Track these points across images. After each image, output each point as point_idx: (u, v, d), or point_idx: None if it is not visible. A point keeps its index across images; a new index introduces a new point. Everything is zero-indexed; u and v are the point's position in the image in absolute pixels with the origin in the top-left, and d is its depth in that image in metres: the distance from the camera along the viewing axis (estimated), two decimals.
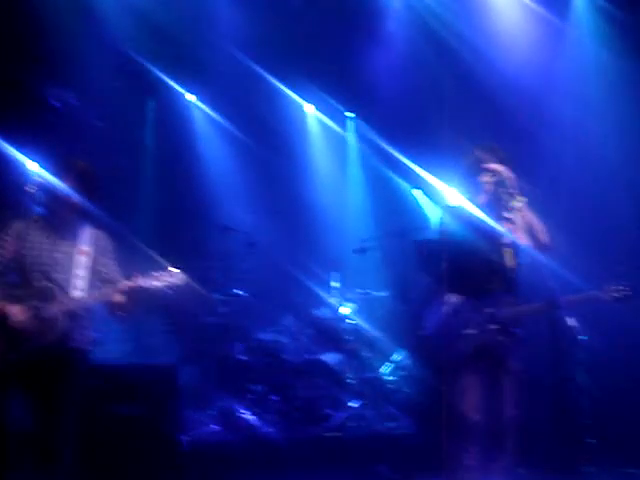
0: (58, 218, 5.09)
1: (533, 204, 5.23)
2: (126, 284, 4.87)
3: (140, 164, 10.32)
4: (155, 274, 4.86)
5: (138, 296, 4.88)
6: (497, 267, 5.31)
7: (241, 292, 8.96)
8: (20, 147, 8.26)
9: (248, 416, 7.96)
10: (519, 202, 5.13)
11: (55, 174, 5.01)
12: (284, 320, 8.93)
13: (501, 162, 5.29)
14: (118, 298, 4.85)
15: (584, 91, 8.18)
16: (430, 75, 9.12)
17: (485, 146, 5.44)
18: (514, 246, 5.28)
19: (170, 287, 4.87)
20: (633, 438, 6.85)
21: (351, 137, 10.65)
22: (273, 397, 8.16)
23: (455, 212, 5.43)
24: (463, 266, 5.29)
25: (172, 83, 10.11)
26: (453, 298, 5.29)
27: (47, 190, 5.00)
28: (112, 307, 4.94)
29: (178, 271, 4.88)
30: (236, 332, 8.85)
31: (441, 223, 5.49)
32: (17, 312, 4.82)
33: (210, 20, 9.19)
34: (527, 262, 5.24)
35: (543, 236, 5.14)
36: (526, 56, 8.43)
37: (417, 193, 9.54)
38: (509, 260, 5.34)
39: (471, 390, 5.25)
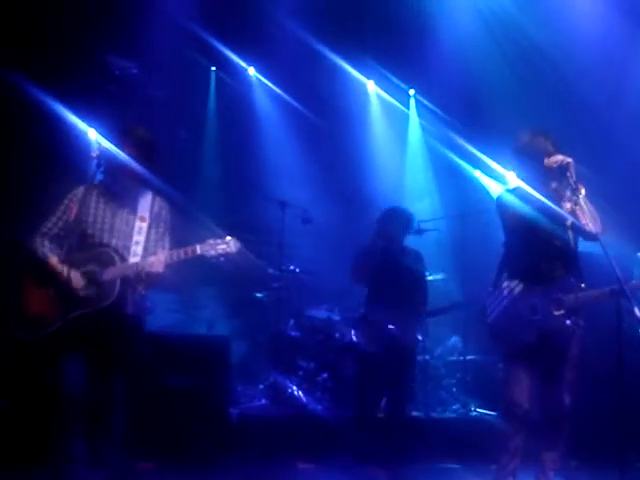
0: (118, 185, 5.12)
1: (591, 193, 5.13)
2: (181, 252, 4.85)
3: (200, 136, 10.35)
4: (211, 242, 4.84)
5: (185, 268, 4.86)
6: (562, 252, 5.22)
7: (295, 268, 8.91)
8: (83, 115, 8.34)
9: (297, 392, 7.95)
10: (581, 190, 5.01)
11: (115, 141, 5.02)
12: (337, 298, 8.87)
13: (556, 147, 5.20)
14: (159, 268, 4.83)
15: None
16: (496, 56, 8.96)
17: (541, 131, 5.34)
18: (578, 231, 5.17)
19: (225, 255, 4.84)
20: None
21: (413, 115, 10.53)
22: (323, 375, 8.13)
23: (517, 195, 5.32)
24: (527, 250, 5.21)
25: (234, 57, 10.10)
26: (517, 283, 5.20)
27: (108, 157, 5.02)
28: (160, 276, 4.92)
29: (234, 239, 4.85)
30: (289, 308, 8.83)
31: (501, 205, 5.39)
32: (76, 276, 4.84)
33: None
34: (592, 248, 5.12)
35: (598, 226, 5.03)
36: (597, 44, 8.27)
37: (478, 174, 9.39)
38: (573, 245, 5.24)
39: (526, 377, 5.19)
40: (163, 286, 5.11)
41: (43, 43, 8.46)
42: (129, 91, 9.35)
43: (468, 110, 9.43)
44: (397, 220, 7.02)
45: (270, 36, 9.47)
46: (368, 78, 10.43)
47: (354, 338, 7.18)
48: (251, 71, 10.43)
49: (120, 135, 5.09)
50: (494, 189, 8.98)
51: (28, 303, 4.95)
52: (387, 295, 6.91)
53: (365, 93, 10.54)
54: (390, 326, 6.81)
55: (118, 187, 5.10)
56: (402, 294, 6.86)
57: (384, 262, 6.96)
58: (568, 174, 5.01)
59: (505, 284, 5.27)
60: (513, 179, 5.51)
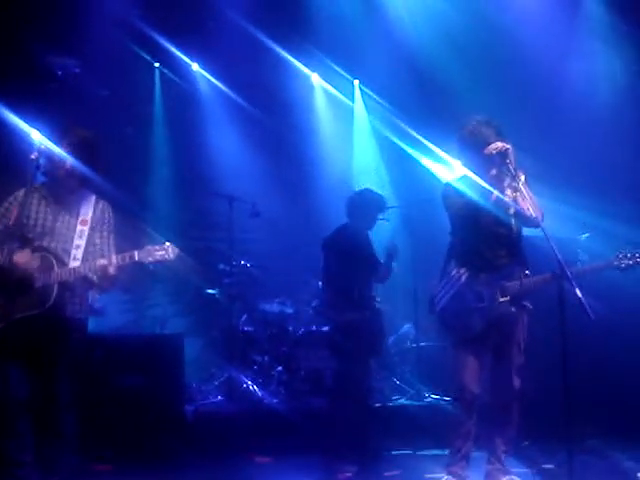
0: (60, 187, 5.06)
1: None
2: (103, 262, 4.83)
3: (145, 134, 10.27)
4: (149, 248, 4.81)
5: (132, 270, 4.84)
6: (506, 239, 5.31)
7: (246, 263, 8.91)
8: (25, 116, 8.23)
9: (252, 387, 7.97)
10: (521, 176, 5.09)
11: (55, 142, 4.96)
12: (289, 291, 8.89)
13: (499, 135, 5.25)
14: (111, 271, 4.81)
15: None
16: (442, 44, 9.03)
17: (484, 119, 5.38)
18: (520, 218, 5.25)
19: (163, 262, 4.83)
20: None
21: (358, 106, 10.56)
22: (277, 368, 8.16)
23: (461, 185, 5.39)
24: (472, 239, 5.30)
25: (177, 52, 10.03)
26: (464, 271, 5.27)
27: (49, 158, 4.96)
28: (104, 280, 4.90)
29: (172, 245, 4.84)
30: (241, 303, 8.83)
31: (446, 195, 5.45)
32: (10, 281, 4.79)
33: None
34: (534, 233, 5.21)
35: (538, 211, 5.11)
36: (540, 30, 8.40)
37: (427, 162, 9.44)
38: (517, 232, 5.32)
39: (475, 363, 5.29)
40: (119, 287, 5.05)
41: None
42: (72, 90, 9.25)
43: (414, 99, 9.46)
44: (372, 203, 6.75)
45: (213, 30, 9.45)
46: (312, 70, 10.43)
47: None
48: (195, 67, 10.37)
49: (59, 135, 5.01)
50: (443, 176, 9.04)
51: None
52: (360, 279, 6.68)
53: (310, 85, 10.54)
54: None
55: (59, 189, 5.04)
56: (369, 279, 6.77)
57: (354, 245, 6.66)
58: (508, 161, 5.08)
59: (453, 272, 5.35)
60: (459, 167, 5.55)
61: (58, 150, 4.94)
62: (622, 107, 8.33)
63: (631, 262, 5.04)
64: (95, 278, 4.86)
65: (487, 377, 5.39)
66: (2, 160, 7.90)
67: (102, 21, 8.91)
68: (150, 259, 4.81)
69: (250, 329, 8.57)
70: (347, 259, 6.51)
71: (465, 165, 5.45)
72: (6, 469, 4.74)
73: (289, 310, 8.65)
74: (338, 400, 6.57)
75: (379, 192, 6.92)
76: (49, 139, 5.00)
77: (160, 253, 4.81)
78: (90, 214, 5.02)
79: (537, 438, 6.56)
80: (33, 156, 4.87)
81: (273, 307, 8.69)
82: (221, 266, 8.87)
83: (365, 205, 6.72)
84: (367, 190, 6.84)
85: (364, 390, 6.60)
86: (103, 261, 4.83)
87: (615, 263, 5.08)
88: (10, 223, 4.92)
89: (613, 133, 8.27)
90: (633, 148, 8.24)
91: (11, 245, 4.77)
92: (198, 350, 8.58)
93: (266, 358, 8.29)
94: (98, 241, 5.03)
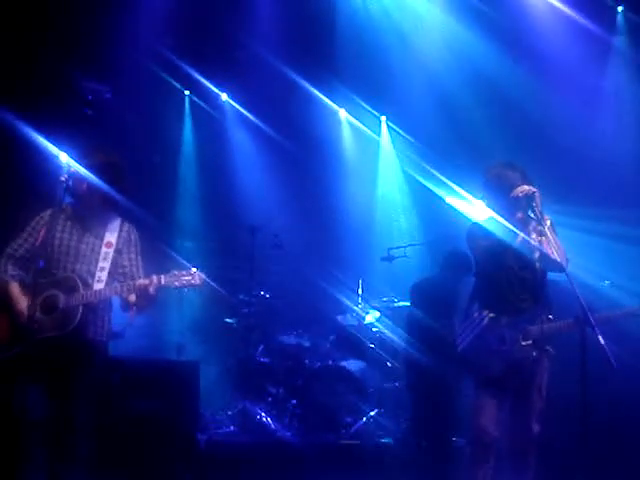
0: (86, 209, 5.09)
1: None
2: (144, 282, 4.85)
3: (173, 161, 10.35)
4: (176, 273, 4.83)
5: (154, 294, 4.85)
6: (530, 283, 5.28)
7: (266, 294, 8.91)
8: (54, 139, 8.32)
9: (266, 419, 7.93)
10: (547, 220, 5.09)
11: (81, 164, 5.01)
12: (307, 324, 8.87)
13: (524, 179, 5.26)
14: (151, 291, 4.82)
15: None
16: (466, 85, 9.07)
17: (509, 163, 5.40)
18: (545, 262, 5.22)
19: (188, 287, 4.84)
20: None
21: (384, 142, 10.60)
22: (292, 401, 8.12)
23: (487, 226, 5.38)
24: (496, 281, 5.27)
25: (207, 82, 10.14)
26: (487, 313, 5.25)
27: (78, 181, 5.01)
28: (127, 303, 4.91)
29: (198, 271, 4.85)
30: (258, 334, 8.82)
31: (472, 236, 5.44)
32: (36, 302, 4.80)
33: (244, 21, 9.20)
34: (559, 278, 5.18)
35: (562, 255, 5.09)
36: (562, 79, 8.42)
37: (451, 201, 9.44)
38: (541, 276, 5.30)
39: (495, 405, 5.22)
40: (143, 311, 5.04)
41: (16, 68, 8.43)
42: (103, 115, 9.34)
43: (440, 136, 9.48)
44: (464, 266, 7.06)
45: (242, 62, 9.55)
46: (340, 106, 10.50)
47: None
48: (224, 97, 10.46)
49: (86, 158, 5.05)
50: (469, 214, 9.03)
51: None
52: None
53: (337, 120, 10.60)
54: None
55: (86, 211, 5.07)
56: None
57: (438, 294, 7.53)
58: (534, 204, 5.07)
59: (475, 314, 5.32)
60: (482, 208, 5.54)
61: (82, 171, 4.98)
62: None
63: None
64: (133, 298, 4.86)
65: (506, 421, 5.34)
66: (31, 181, 7.97)
67: (134, 49, 9.03)
68: (177, 284, 4.82)
69: (266, 360, 8.54)
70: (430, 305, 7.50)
71: (490, 207, 5.44)
72: None
73: (306, 343, 8.62)
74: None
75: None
76: (76, 161, 5.05)
77: (187, 278, 4.82)
78: (115, 236, 5.05)
79: None
80: (63, 178, 4.93)
81: (290, 339, 8.67)
82: (241, 296, 8.88)
83: (458, 266, 7.31)
84: (463, 253, 6.96)
85: None
86: (143, 281, 4.84)
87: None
88: (36, 243, 4.96)
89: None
90: None
91: (38, 265, 4.79)
92: (213, 378, 8.54)
93: (281, 390, 8.26)
94: (127, 263, 5.06)
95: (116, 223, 5.12)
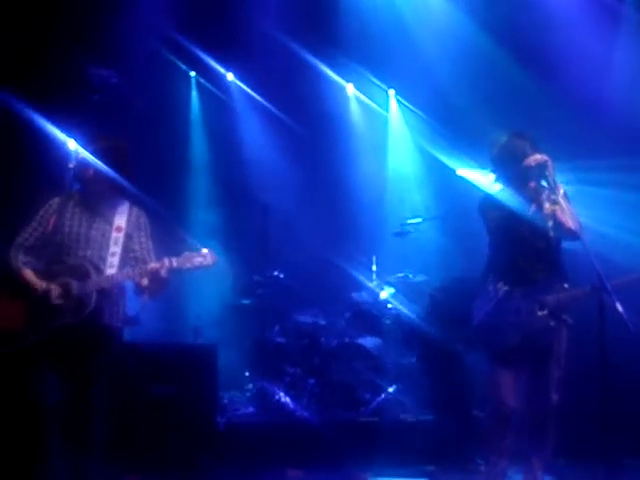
0: (95, 195, 5.09)
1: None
2: (156, 265, 4.82)
3: (182, 143, 10.32)
4: (187, 254, 4.81)
5: (167, 277, 4.82)
6: (544, 253, 5.24)
7: (280, 274, 8.88)
8: (62, 125, 8.30)
9: (284, 399, 7.92)
10: (560, 188, 5.05)
11: (89, 150, 5.00)
12: (322, 303, 8.85)
13: (534, 147, 5.22)
14: (163, 274, 4.80)
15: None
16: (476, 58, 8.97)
17: (518, 132, 5.37)
18: (559, 231, 5.17)
19: (202, 268, 4.81)
20: None
21: (393, 116, 10.51)
22: (310, 380, 8.10)
23: (499, 198, 5.33)
24: (510, 253, 5.23)
25: (213, 62, 10.08)
26: (502, 285, 5.21)
27: (85, 167, 5.00)
28: (140, 288, 4.89)
29: (210, 251, 4.83)
30: (274, 314, 8.80)
31: (484, 208, 5.40)
32: (53, 288, 4.81)
33: None
34: (574, 247, 5.13)
35: (576, 223, 5.04)
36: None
37: (463, 173, 9.35)
38: (555, 245, 5.25)
39: (512, 377, 5.22)
40: (156, 295, 5.02)
41: (23, 55, 8.42)
42: (110, 100, 9.31)
43: (448, 110, 9.40)
44: None
45: (248, 41, 9.44)
46: (347, 81, 10.41)
47: None
48: (230, 76, 10.40)
49: (91, 143, 5.05)
50: (481, 186, 8.95)
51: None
52: None
53: (345, 96, 10.52)
54: None
55: (94, 197, 5.07)
56: None
57: None
58: (547, 173, 5.02)
59: (490, 286, 5.28)
60: (492, 180, 5.49)
61: (88, 157, 4.97)
62: None
63: None
64: (146, 282, 4.84)
65: (524, 392, 5.31)
66: (40, 169, 7.97)
67: (139, 31, 8.97)
68: (189, 265, 4.80)
69: (282, 340, 8.52)
70: None
71: (500, 178, 5.40)
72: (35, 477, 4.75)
73: (322, 322, 8.59)
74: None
75: None
76: (84, 148, 5.04)
77: (199, 260, 4.81)
78: (125, 221, 5.04)
79: (574, 456, 6.44)
80: (71, 165, 4.92)
81: (306, 318, 8.64)
82: (255, 277, 8.86)
83: None
84: None
85: None
86: (155, 264, 4.83)
87: None
88: (46, 232, 4.96)
89: None
90: None
91: (50, 252, 4.79)
92: (231, 361, 8.52)
93: (298, 370, 8.23)
94: (137, 247, 5.05)
95: (125, 207, 5.11)
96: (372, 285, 8.71)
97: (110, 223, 5.02)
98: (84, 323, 4.80)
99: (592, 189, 7.42)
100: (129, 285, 5.02)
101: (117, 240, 4.97)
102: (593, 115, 8.17)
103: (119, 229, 5.00)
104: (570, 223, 4.99)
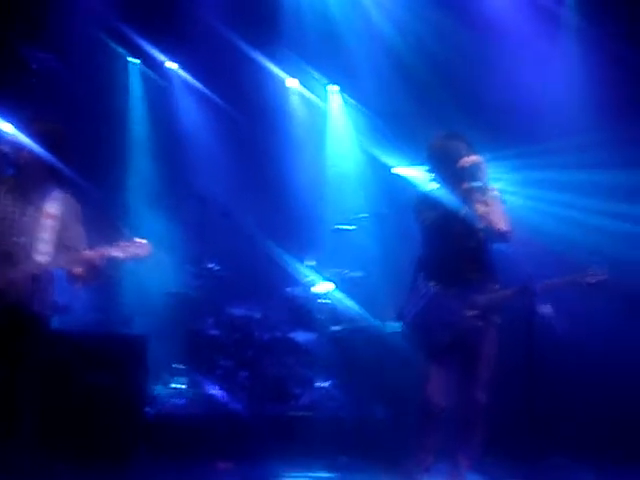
0: (29, 180, 5.00)
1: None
2: (90, 254, 4.76)
3: (120, 131, 10.18)
4: (121, 244, 4.76)
5: (101, 266, 4.77)
6: (475, 253, 5.30)
7: (215, 266, 8.83)
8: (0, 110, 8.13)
9: (215, 391, 7.90)
10: (492, 190, 5.10)
11: (24, 134, 4.91)
12: (257, 297, 8.83)
13: (470, 148, 5.30)
14: (79, 267, 4.74)
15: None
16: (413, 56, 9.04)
17: (455, 133, 5.45)
18: (491, 232, 5.24)
19: (135, 258, 4.77)
20: (606, 428, 6.90)
21: (334, 110, 10.52)
22: (242, 373, 8.10)
23: (432, 197, 5.38)
24: (441, 252, 5.28)
25: (154, 51, 9.96)
26: (433, 284, 5.26)
27: (17, 151, 4.91)
28: (73, 276, 4.83)
29: (144, 242, 4.79)
30: (209, 306, 8.76)
31: (418, 208, 5.45)
32: None
33: None
34: (504, 248, 5.22)
35: (508, 225, 5.13)
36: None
37: (400, 171, 9.39)
38: (486, 246, 5.32)
39: (442, 376, 5.28)
40: (88, 283, 4.96)
41: None
42: (48, 84, 9.16)
43: (390, 107, 9.44)
44: None
45: (189, 29, 9.39)
46: (287, 73, 10.37)
47: None
48: (170, 64, 10.28)
49: (24, 125, 4.98)
50: (417, 186, 9.01)
51: None
52: None
53: (286, 90, 10.49)
54: None
55: (28, 183, 4.97)
56: None
57: None
58: (480, 174, 5.09)
59: (421, 285, 5.33)
60: (428, 180, 5.55)
61: (23, 141, 4.87)
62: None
63: (599, 278, 5.06)
64: (79, 270, 4.77)
65: (453, 391, 5.38)
66: None
67: (80, 16, 8.86)
68: (123, 255, 4.76)
69: (216, 333, 8.49)
70: None
71: (436, 178, 5.46)
72: None
73: (257, 315, 8.58)
74: None
75: None
76: (18, 131, 4.95)
77: (133, 249, 4.77)
78: (58, 208, 4.95)
79: (500, 454, 6.54)
80: (5, 149, 4.83)
81: (240, 312, 8.61)
82: (190, 268, 8.80)
83: None
84: None
85: None
86: (89, 253, 4.77)
87: (584, 279, 5.09)
88: None
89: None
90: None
91: None
92: (163, 352, 8.47)
93: (231, 363, 8.22)
94: (70, 234, 4.96)
95: (58, 194, 5.03)
96: (309, 280, 8.72)
97: (43, 210, 4.93)
98: (10, 310, 4.72)
99: (538, 173, 7.65)
100: (61, 273, 4.96)
101: (49, 227, 4.89)
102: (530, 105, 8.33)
103: (52, 216, 4.92)
104: (501, 224, 5.08)
